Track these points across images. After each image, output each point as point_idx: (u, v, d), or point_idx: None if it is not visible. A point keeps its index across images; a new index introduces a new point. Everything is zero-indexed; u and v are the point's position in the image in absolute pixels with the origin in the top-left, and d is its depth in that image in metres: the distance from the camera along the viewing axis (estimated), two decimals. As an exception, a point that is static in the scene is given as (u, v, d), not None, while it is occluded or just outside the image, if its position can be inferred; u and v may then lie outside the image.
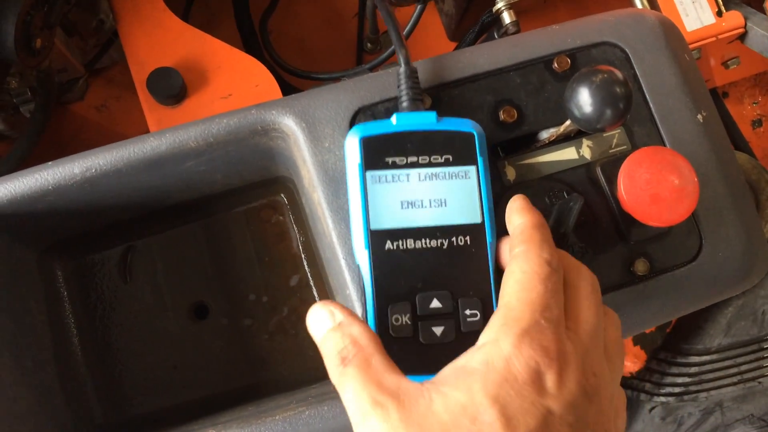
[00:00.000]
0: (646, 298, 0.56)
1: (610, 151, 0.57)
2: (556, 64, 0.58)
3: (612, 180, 0.55)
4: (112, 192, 0.59)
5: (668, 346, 1.15)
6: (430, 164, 0.48)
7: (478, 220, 0.48)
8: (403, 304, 0.46)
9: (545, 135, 0.57)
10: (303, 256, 0.70)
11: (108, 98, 1.05)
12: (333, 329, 0.43)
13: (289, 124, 0.55)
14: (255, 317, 0.70)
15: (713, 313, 1.10)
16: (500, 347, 0.39)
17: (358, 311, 0.54)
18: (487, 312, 0.46)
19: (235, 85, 0.85)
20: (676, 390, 1.13)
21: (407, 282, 0.47)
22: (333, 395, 0.55)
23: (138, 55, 0.85)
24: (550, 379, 0.38)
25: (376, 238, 0.47)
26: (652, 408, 1.12)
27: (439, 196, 0.48)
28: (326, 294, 0.69)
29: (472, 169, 0.48)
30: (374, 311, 0.47)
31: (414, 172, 0.48)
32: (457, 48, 1.01)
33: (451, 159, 0.48)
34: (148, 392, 0.67)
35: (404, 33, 0.94)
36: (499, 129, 0.57)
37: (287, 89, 1.00)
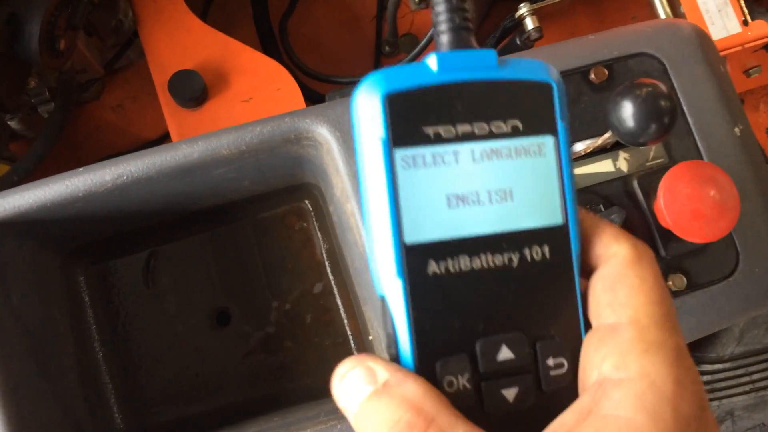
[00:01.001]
0: (683, 314, 0.55)
1: (647, 164, 0.57)
2: (593, 75, 0.57)
3: (649, 193, 0.55)
4: (140, 198, 0.58)
5: (680, 354, 1.14)
6: (490, 135, 0.31)
7: (560, 221, 0.32)
8: (457, 359, 0.31)
9: (581, 147, 0.57)
10: (327, 263, 0.69)
11: (124, 98, 1.04)
12: (377, 393, 0.29)
13: (323, 133, 0.55)
14: (278, 324, 0.69)
15: (727, 321, 1.09)
16: (657, 385, 0.29)
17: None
18: (575, 360, 0.32)
19: (256, 88, 0.84)
20: (688, 398, 1.12)
21: (463, 323, 0.31)
22: (364, 408, 0.54)
23: (159, 58, 0.84)
24: (709, 412, 0.30)
25: (415, 258, 0.30)
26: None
27: (503, 186, 0.31)
28: (350, 302, 0.68)
29: (548, 140, 0.32)
30: (414, 371, 0.30)
31: (465, 149, 0.31)
32: (477, 53, 1.00)
33: (520, 126, 0.32)
34: (170, 400, 0.67)
35: (426, 38, 0.93)
36: (535, 140, 0.56)
37: (306, 92, 0.99)
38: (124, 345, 0.67)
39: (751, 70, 1.02)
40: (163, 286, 0.69)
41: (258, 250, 0.70)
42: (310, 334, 0.69)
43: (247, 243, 0.70)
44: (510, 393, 0.31)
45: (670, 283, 0.55)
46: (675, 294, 0.55)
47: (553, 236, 0.32)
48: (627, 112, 0.46)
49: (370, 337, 0.64)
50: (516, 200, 0.32)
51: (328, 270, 0.69)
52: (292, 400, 0.66)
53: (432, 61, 0.31)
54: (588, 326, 0.33)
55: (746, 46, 0.87)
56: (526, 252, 0.32)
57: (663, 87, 0.46)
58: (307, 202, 0.70)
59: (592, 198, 0.55)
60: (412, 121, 0.30)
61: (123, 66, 1.02)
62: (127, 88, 1.04)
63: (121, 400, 0.66)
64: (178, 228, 0.69)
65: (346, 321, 0.69)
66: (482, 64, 0.31)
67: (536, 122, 0.32)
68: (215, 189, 0.62)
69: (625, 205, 0.55)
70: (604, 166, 0.56)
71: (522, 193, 0.32)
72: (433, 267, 0.31)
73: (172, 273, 0.69)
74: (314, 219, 0.70)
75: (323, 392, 0.66)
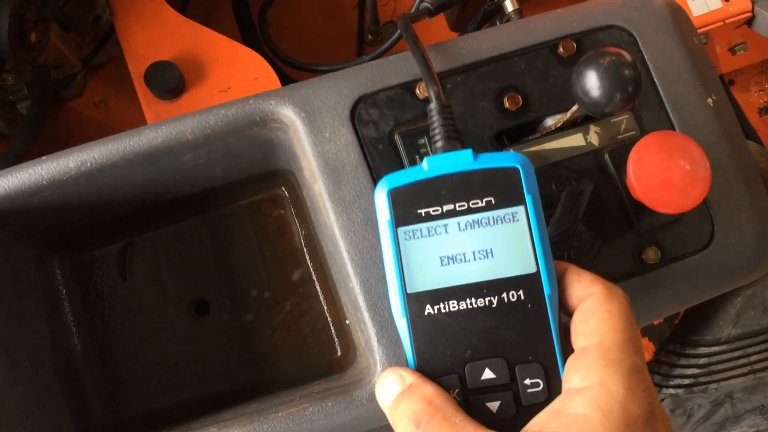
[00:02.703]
0: (657, 288, 0.54)
1: (619, 137, 0.56)
2: (561, 49, 0.56)
3: (621, 166, 0.54)
4: (109, 187, 0.57)
5: (677, 338, 1.14)
6: (469, 210, 0.42)
7: (532, 270, 0.42)
8: (450, 378, 0.41)
9: (551, 121, 0.56)
10: (305, 250, 0.69)
11: (106, 94, 1.04)
12: (403, 392, 0.40)
13: (289, 114, 0.54)
14: (257, 313, 0.68)
15: (722, 303, 1.08)
16: (610, 390, 0.37)
17: (367, 318, 0.53)
18: (551, 380, 0.41)
19: (234, 78, 0.83)
20: (686, 382, 1.11)
21: (453, 351, 0.41)
22: (337, 391, 0.54)
23: (135, 49, 0.84)
24: (660, 417, 0.38)
25: (414, 303, 0.42)
26: (661, 400, 1.11)
27: (484, 246, 0.42)
28: (329, 288, 0.67)
29: (519, 209, 0.42)
30: None
31: (452, 222, 0.42)
32: (459, 38, 0.99)
33: (493, 201, 0.42)
34: (149, 391, 0.66)
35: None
36: (504, 116, 0.55)
37: (287, 82, 0.99)
38: (102, 336, 0.67)
39: (736, 48, 1.01)
40: (140, 277, 0.68)
41: (235, 238, 0.69)
42: (289, 321, 0.69)
43: (224, 231, 0.69)
44: (493, 405, 0.41)
45: (644, 256, 0.54)
46: (649, 267, 0.54)
47: (526, 282, 0.41)
48: (590, 82, 0.45)
49: (347, 321, 0.63)
50: (495, 256, 0.42)
51: (307, 257, 0.69)
52: (272, 388, 0.66)
53: (425, 164, 0.43)
54: (570, 351, 0.40)
55: (727, 21, 0.86)
56: (504, 295, 0.41)
57: (626, 55, 0.45)
58: (283, 188, 0.69)
59: (562, 172, 0.54)
60: (410, 206, 0.43)
61: (104, 62, 1.02)
62: (108, 83, 1.04)
63: (99, 391, 0.65)
64: (154, 218, 0.68)
65: (325, 307, 0.68)
66: (461, 161, 0.43)
67: (507, 197, 0.42)
68: (187, 176, 0.61)
69: (597, 179, 0.55)
70: (574, 141, 0.55)
71: (500, 250, 0.42)
72: (429, 309, 0.42)
73: (149, 263, 0.68)
74: (291, 205, 0.69)
75: (303, 379, 0.65)
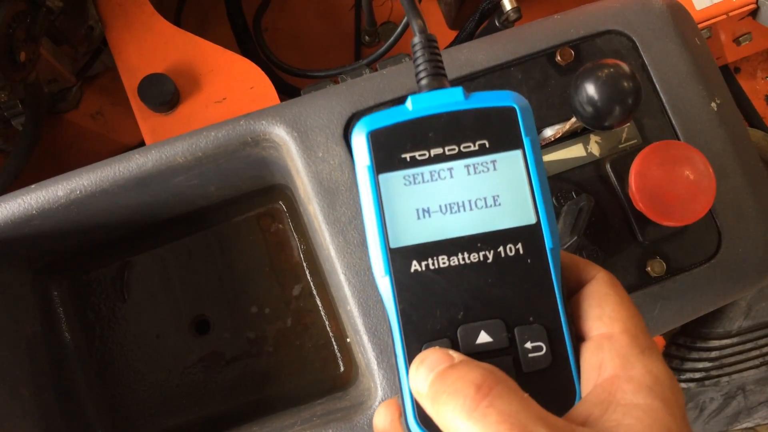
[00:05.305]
0: (664, 300, 0.53)
1: (620, 146, 0.54)
2: (559, 57, 0.55)
3: (623, 177, 0.53)
4: (101, 211, 0.56)
5: (687, 331, 1.12)
6: (460, 155, 0.37)
7: (532, 220, 0.37)
8: (440, 343, 0.36)
9: (550, 132, 0.54)
10: (305, 264, 0.68)
11: (103, 105, 1.03)
12: (453, 365, 0.35)
13: (280, 133, 0.53)
14: (258, 330, 0.68)
15: (732, 295, 1.07)
16: (658, 378, 0.35)
17: (366, 342, 0.51)
18: (555, 343, 0.37)
19: (229, 88, 0.82)
20: (697, 375, 1.10)
21: (444, 312, 0.37)
22: (338, 415, 0.53)
23: (128, 62, 0.83)
24: None
25: (399, 259, 0.37)
26: (673, 395, 1.09)
27: (478, 195, 0.37)
28: (330, 303, 0.66)
29: (516, 154, 0.37)
30: (404, 355, 0.37)
31: (442, 168, 0.37)
32: (457, 37, 0.98)
33: (487, 145, 0.37)
34: (151, 413, 0.65)
35: (401, 24, 0.91)
36: (502, 128, 0.54)
37: (284, 88, 0.98)
38: (102, 359, 0.66)
39: (740, 38, 0.99)
40: (139, 297, 0.67)
41: (234, 255, 0.68)
42: (291, 337, 0.68)
43: (222, 248, 0.68)
44: None
45: (649, 269, 0.53)
46: (654, 280, 0.53)
47: (525, 234, 0.37)
48: (588, 95, 0.44)
49: (348, 340, 0.62)
50: (490, 206, 0.37)
51: (306, 271, 0.68)
52: (274, 406, 0.65)
53: (408, 102, 0.38)
54: (573, 328, 0.37)
55: (731, 14, 0.84)
56: (501, 249, 0.37)
57: (625, 66, 0.44)
58: (281, 203, 0.68)
59: (563, 185, 0.53)
60: (392, 150, 0.37)
61: (99, 72, 1.01)
62: (104, 94, 1.03)
63: (101, 415, 0.65)
64: (150, 237, 0.67)
65: (327, 322, 0.67)
66: (450, 100, 0.38)
67: (503, 140, 0.37)
68: (181, 197, 0.60)
69: (599, 190, 0.53)
70: (575, 151, 0.54)
71: (494, 199, 0.37)
72: (415, 266, 0.37)
73: (147, 283, 0.68)
74: (289, 220, 0.68)
75: (306, 396, 0.64)
